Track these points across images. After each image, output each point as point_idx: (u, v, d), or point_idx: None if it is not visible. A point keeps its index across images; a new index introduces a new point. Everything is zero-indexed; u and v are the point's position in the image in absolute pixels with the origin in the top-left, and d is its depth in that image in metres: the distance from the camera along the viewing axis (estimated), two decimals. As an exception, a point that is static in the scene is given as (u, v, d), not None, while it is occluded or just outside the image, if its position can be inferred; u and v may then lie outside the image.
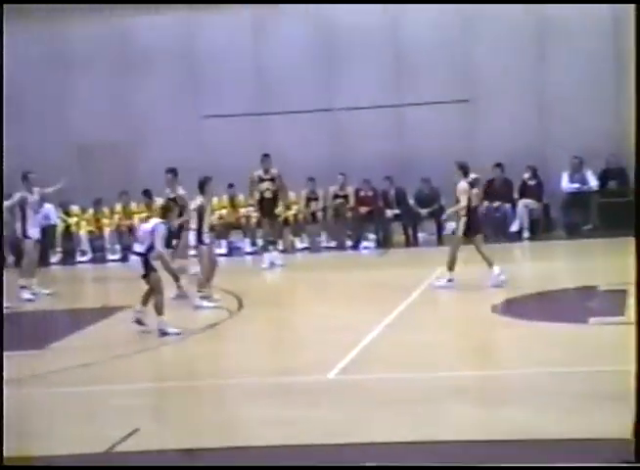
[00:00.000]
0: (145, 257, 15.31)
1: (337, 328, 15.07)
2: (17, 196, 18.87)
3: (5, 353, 15.08)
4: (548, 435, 9.19)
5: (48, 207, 23.14)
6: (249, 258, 23.91)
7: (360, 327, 14.85)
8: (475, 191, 17.96)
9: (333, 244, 24.35)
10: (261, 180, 21.31)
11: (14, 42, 25.04)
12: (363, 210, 24.27)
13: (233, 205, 24.83)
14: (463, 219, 17.58)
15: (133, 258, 16.02)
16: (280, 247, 22.84)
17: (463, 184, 17.69)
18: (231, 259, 23.48)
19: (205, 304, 17.19)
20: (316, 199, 24.81)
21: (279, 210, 21.56)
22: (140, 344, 14.88)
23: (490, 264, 17.34)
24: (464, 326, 14.89)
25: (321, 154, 24.66)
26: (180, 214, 18.03)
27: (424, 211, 23.98)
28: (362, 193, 24.56)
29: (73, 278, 19.91)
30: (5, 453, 10.29)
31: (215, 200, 23.25)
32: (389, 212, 24.05)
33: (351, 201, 24.53)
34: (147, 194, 23.84)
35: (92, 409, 11.96)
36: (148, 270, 15.27)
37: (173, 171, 19.31)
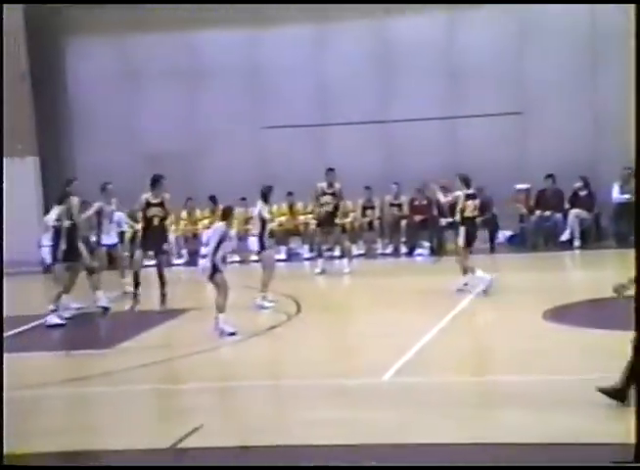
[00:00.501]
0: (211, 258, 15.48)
1: (391, 332, 15.08)
2: (95, 206, 19.13)
3: (77, 352, 15.35)
4: (594, 439, 9.16)
5: (119, 214, 23.33)
6: (307, 263, 23.96)
7: (414, 331, 14.85)
8: (472, 203, 18.18)
9: (388, 250, 24.34)
10: (324, 193, 21.39)
11: (90, 60, 25.45)
12: (417, 218, 24.27)
13: (292, 212, 24.92)
14: (461, 229, 17.86)
15: (200, 261, 16.16)
16: (337, 253, 22.98)
17: (459, 195, 18.03)
18: (290, 265, 23.54)
19: (267, 303, 17.38)
20: (372, 207, 24.83)
21: (337, 220, 21.68)
22: (203, 344, 14.97)
23: (473, 271, 17.75)
24: (516, 331, 14.81)
25: (376, 164, 24.69)
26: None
27: (477, 220, 23.87)
28: (416, 202, 24.58)
29: (142, 281, 20.02)
30: (77, 447, 10.41)
31: (275, 207, 23.42)
32: (443, 221, 23.99)
33: (406, 209, 24.56)
34: (213, 200, 24.04)
35: (157, 407, 12.07)
36: (214, 271, 15.41)
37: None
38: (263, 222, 17.77)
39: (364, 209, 24.81)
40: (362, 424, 10.54)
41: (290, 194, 24.57)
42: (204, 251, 16.14)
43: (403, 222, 24.35)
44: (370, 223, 24.74)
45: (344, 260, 22.01)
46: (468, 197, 18.13)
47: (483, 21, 24.47)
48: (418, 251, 24.03)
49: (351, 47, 25.10)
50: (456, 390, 11.67)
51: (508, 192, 23.29)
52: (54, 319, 16.80)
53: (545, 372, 12.25)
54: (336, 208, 21.43)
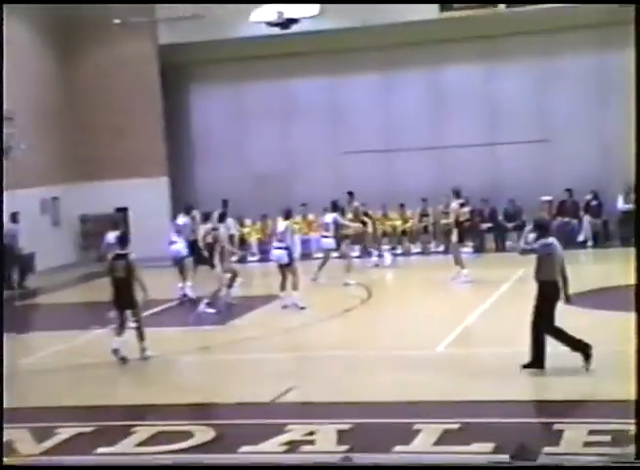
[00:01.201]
0: (288, 249, 15.99)
1: (442, 313, 15.09)
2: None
3: (199, 328, 15.50)
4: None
5: (230, 220, 23.49)
6: (375, 259, 23.85)
7: (461, 313, 14.84)
8: (464, 210, 18.45)
9: (440, 249, 24.18)
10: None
11: (210, 101, 25.77)
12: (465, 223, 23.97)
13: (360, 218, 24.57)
14: (454, 231, 18.17)
15: (275, 252, 16.39)
16: (399, 251, 23.09)
17: (454, 205, 18.36)
18: (362, 261, 23.48)
19: (351, 282, 18.07)
20: (427, 215, 24.69)
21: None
22: (293, 323, 15.09)
23: (463, 267, 17.97)
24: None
25: (431, 180, 24.53)
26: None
27: (510, 225, 23.70)
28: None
29: (246, 274, 20.24)
30: (201, 400, 10.52)
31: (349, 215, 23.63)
32: (484, 226, 23.82)
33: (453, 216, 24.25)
34: (334, 206, 23.58)
35: (260, 371, 12.20)
36: (290, 260, 15.93)
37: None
38: (337, 226, 18.23)
39: (421, 216, 24.67)
40: (421, 386, 10.57)
41: (363, 205, 24.42)
42: (276, 244, 16.38)
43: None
44: (425, 228, 24.60)
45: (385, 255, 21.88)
46: (461, 205, 18.36)
47: (514, 69, 24.28)
48: (463, 249, 23.81)
49: (412, 89, 25.00)
50: (496, 358, 11.64)
51: (535, 203, 23.03)
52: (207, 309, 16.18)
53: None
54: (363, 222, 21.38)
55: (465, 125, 24.57)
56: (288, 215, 16.61)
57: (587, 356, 10.56)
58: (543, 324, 10.70)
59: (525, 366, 10.67)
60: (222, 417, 10.13)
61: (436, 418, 9.26)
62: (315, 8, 23.53)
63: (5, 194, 22.02)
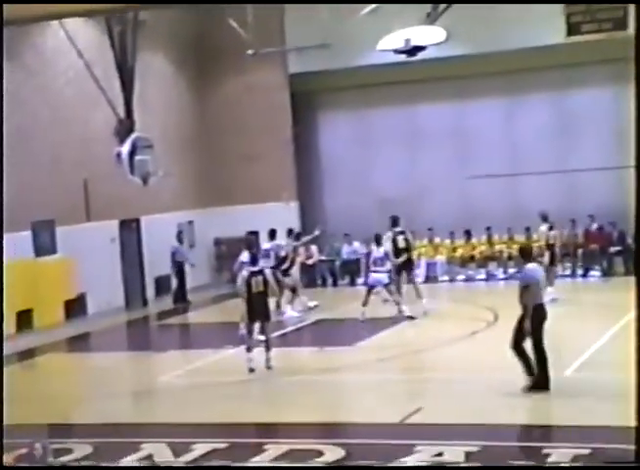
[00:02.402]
0: (388, 273, 17.05)
1: (571, 336, 14.73)
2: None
3: (324, 348, 15.55)
4: None
5: (356, 244, 23.77)
6: (502, 282, 23.48)
7: (590, 336, 14.46)
8: (551, 233, 18.91)
9: (567, 272, 23.60)
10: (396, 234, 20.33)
11: (337, 128, 26.05)
12: (592, 246, 23.41)
13: (490, 242, 24.45)
14: (546, 254, 18.59)
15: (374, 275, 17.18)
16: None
17: (542, 228, 19.04)
18: (489, 284, 23.17)
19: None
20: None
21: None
22: (421, 345, 15.01)
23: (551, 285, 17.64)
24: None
25: (558, 204, 24.00)
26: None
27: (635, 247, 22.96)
28: (589, 233, 23.73)
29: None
30: (324, 420, 10.55)
31: (475, 239, 23.44)
32: (612, 249, 23.16)
33: (580, 239, 23.70)
34: (468, 233, 23.77)
35: (389, 391, 12.16)
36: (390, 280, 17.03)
37: None
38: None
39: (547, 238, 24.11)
40: (548, 409, 10.35)
41: (488, 229, 24.15)
42: (374, 268, 17.19)
43: (579, 250, 23.56)
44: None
45: None
46: (550, 228, 18.97)
47: None
48: (591, 273, 23.23)
49: (535, 114, 24.64)
50: (623, 384, 11.26)
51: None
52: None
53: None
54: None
55: (592, 149, 24.02)
56: (379, 241, 17.63)
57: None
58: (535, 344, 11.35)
59: (531, 388, 11.00)
60: (351, 436, 10.14)
61: (567, 442, 9.04)
62: (442, 34, 23.46)
63: (144, 218, 22.90)
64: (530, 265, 11.72)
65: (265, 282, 13.24)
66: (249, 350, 13.16)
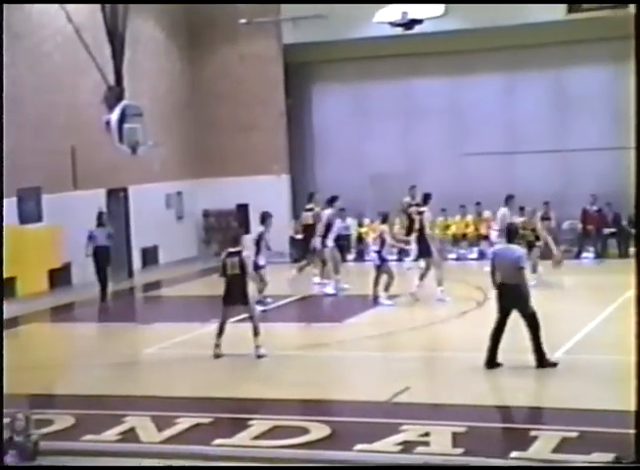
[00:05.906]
0: (379, 253, 16.78)
1: (563, 318, 14.73)
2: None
3: (315, 324, 15.58)
4: None
5: (349, 220, 23.53)
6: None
7: (582, 319, 14.49)
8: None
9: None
10: (409, 205, 20.63)
11: (331, 101, 25.90)
12: (589, 227, 23.36)
13: (479, 219, 24.28)
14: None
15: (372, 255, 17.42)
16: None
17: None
18: (480, 263, 23.16)
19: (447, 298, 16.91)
20: (549, 218, 24.08)
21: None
22: (410, 323, 15.00)
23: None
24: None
25: (554, 184, 24.02)
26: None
27: (634, 231, 22.98)
28: (587, 214, 23.68)
29: (362, 272, 20.22)
30: (313, 396, 10.53)
31: (469, 217, 23.48)
32: (607, 230, 23.17)
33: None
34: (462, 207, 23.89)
35: (377, 369, 12.17)
36: (382, 262, 16.69)
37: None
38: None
39: (542, 219, 24.08)
40: (538, 391, 10.37)
41: (478, 203, 23.99)
42: (374, 248, 17.28)
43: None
44: (548, 230, 23.96)
45: None
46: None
47: None
48: (584, 254, 23.26)
49: (533, 91, 24.56)
50: (615, 366, 11.30)
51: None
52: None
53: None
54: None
55: (590, 128, 23.97)
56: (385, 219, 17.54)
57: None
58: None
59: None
60: (338, 414, 10.15)
61: (555, 425, 9.05)
62: (440, 8, 23.32)
63: (132, 188, 22.77)
64: (514, 246, 11.87)
65: (242, 264, 12.79)
66: (219, 334, 12.91)
